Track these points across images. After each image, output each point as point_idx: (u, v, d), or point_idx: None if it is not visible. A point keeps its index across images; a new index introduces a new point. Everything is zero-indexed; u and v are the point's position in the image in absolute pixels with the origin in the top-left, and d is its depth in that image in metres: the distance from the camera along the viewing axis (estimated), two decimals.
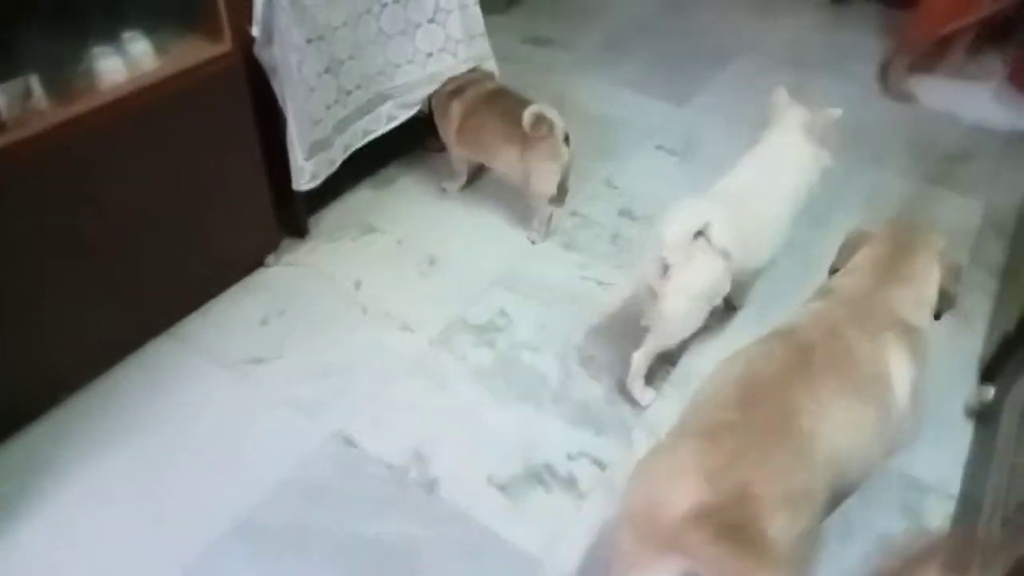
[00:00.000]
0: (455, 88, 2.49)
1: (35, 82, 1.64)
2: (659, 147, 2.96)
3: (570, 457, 1.87)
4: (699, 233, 1.73)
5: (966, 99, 3.29)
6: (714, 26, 3.84)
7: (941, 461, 1.87)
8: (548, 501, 1.78)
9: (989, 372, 2.03)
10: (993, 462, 1.76)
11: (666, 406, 1.98)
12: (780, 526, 1.11)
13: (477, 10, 2.54)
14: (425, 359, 2.10)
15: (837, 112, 2.05)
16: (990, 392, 1.97)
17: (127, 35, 1.79)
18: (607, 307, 2.28)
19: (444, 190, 2.68)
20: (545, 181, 2.34)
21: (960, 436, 1.94)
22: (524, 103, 2.27)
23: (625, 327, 2.21)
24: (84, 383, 1.97)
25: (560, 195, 2.41)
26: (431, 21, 2.42)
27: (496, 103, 2.41)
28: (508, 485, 1.80)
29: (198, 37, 1.91)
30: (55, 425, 1.89)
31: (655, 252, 1.75)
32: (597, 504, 1.77)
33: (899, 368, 1.38)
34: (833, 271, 1.62)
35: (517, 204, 2.54)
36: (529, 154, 2.30)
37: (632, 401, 2.00)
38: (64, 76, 1.71)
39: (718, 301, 1.89)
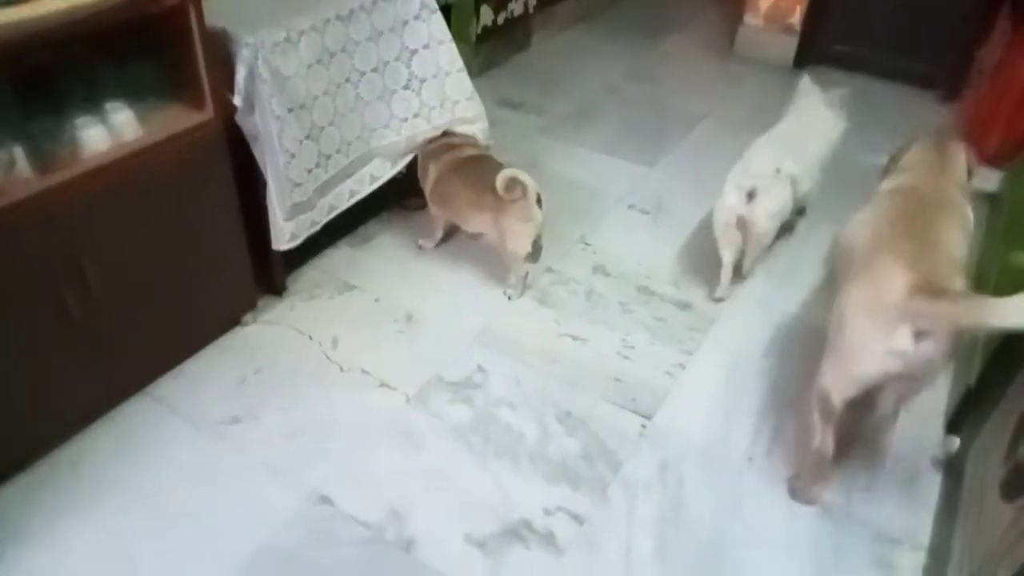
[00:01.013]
0: (434, 150, 2.56)
1: (19, 153, 1.66)
2: (631, 207, 3.04)
3: (547, 513, 1.88)
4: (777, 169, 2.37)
5: None
6: (679, 91, 3.98)
7: (910, 513, 1.91)
8: (527, 558, 1.78)
9: (954, 424, 2.09)
10: (960, 513, 1.80)
11: (641, 465, 2.01)
12: (960, 287, 1.66)
13: (463, 76, 2.62)
14: (402, 417, 2.12)
15: (846, 91, 2.74)
16: (955, 443, 2.02)
17: (110, 105, 1.81)
18: (583, 362, 2.32)
19: (421, 247, 2.74)
20: (519, 241, 2.40)
21: (928, 488, 1.98)
22: (496, 168, 2.34)
23: (602, 383, 2.25)
24: (56, 445, 1.95)
25: (535, 253, 2.47)
26: (406, 88, 2.51)
27: (469, 170, 2.47)
28: (486, 542, 1.81)
29: (180, 106, 1.95)
30: (24, 489, 1.87)
31: (745, 183, 2.33)
32: (575, 559, 1.78)
33: (967, 206, 1.99)
34: (894, 161, 2.22)
35: (493, 261, 2.59)
36: (503, 216, 2.36)
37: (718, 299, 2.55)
38: (47, 146, 1.73)
39: (786, 217, 2.50)
